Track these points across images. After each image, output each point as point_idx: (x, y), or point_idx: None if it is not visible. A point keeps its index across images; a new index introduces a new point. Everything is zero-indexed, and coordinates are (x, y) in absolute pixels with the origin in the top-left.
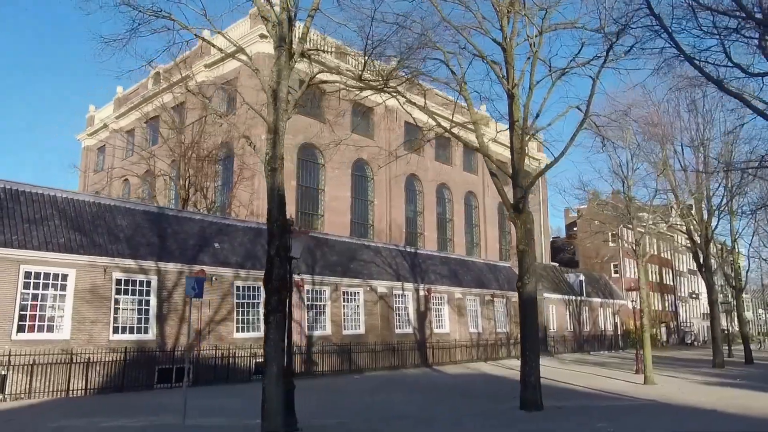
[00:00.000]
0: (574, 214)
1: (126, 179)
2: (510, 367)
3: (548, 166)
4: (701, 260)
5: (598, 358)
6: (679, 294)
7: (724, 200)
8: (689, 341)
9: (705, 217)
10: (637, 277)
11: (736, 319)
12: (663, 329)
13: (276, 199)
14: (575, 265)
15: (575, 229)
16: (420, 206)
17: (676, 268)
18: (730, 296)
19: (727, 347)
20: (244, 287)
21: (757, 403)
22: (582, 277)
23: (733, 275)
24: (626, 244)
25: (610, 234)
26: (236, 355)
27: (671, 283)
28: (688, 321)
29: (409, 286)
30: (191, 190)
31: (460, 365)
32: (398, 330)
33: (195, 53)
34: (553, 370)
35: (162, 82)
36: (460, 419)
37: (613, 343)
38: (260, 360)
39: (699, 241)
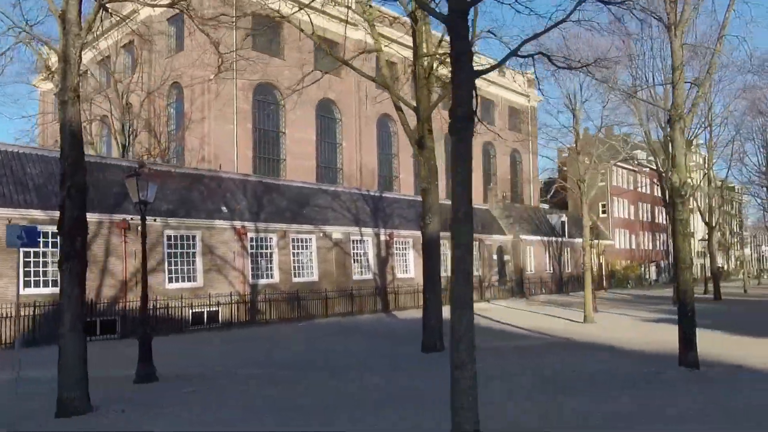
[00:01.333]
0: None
1: (83, 126)
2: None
3: (440, 98)
4: (667, 196)
5: (572, 299)
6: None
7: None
8: None
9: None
10: (627, 216)
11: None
12: (653, 268)
13: (68, 134)
14: (566, 206)
15: (565, 168)
16: (395, 148)
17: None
18: (728, 234)
19: (705, 285)
20: (176, 236)
21: (668, 337)
22: (564, 218)
23: (707, 211)
24: (572, 179)
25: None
26: (169, 306)
27: (664, 222)
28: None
29: (369, 231)
30: (131, 136)
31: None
32: (356, 276)
33: None
34: (510, 311)
35: (111, 19)
36: (354, 361)
37: (598, 284)
38: (197, 310)
39: (666, 176)
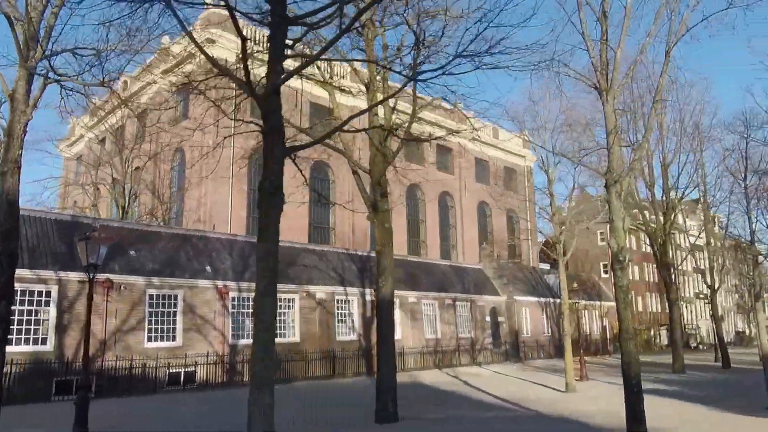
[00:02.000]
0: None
1: (98, 189)
2: (456, 375)
3: (391, 160)
4: (659, 257)
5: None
6: (683, 295)
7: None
8: (694, 344)
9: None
10: (630, 277)
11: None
12: (664, 332)
13: (5, 203)
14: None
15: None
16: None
17: (680, 267)
18: (747, 296)
19: (715, 352)
20: (158, 295)
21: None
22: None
23: (709, 271)
24: (549, 239)
25: (598, 232)
26: (146, 365)
27: (675, 284)
28: (694, 323)
29: (355, 291)
30: (132, 198)
31: (408, 373)
32: (340, 337)
33: (156, 60)
34: (498, 377)
35: (129, 89)
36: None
37: (601, 347)
38: (174, 370)
39: (657, 237)
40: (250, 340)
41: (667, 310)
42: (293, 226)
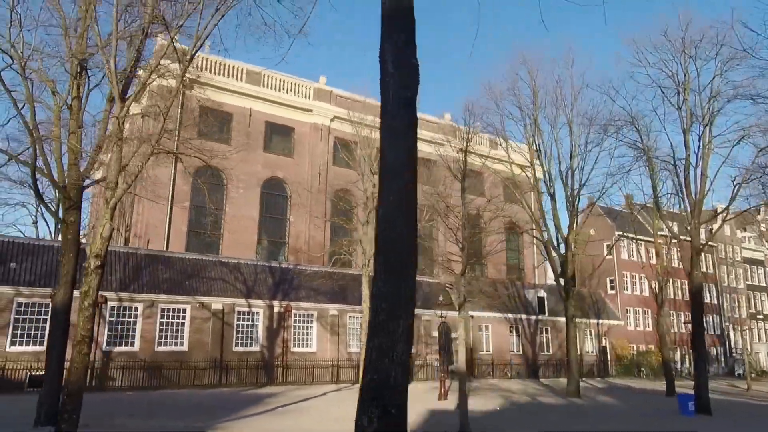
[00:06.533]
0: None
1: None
2: (351, 390)
3: (91, 184)
4: (558, 268)
5: (527, 386)
6: (730, 315)
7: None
8: (739, 371)
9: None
10: (642, 293)
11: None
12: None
13: None
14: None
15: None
16: (354, 224)
17: (726, 284)
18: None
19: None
20: (27, 303)
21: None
22: (542, 294)
23: (658, 288)
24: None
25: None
26: (5, 367)
27: (715, 302)
28: (748, 348)
29: (261, 303)
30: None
31: (311, 386)
32: (238, 347)
33: None
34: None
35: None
36: None
37: (597, 370)
38: (36, 373)
39: (552, 243)
40: (126, 347)
41: (711, 332)
42: (238, 240)
